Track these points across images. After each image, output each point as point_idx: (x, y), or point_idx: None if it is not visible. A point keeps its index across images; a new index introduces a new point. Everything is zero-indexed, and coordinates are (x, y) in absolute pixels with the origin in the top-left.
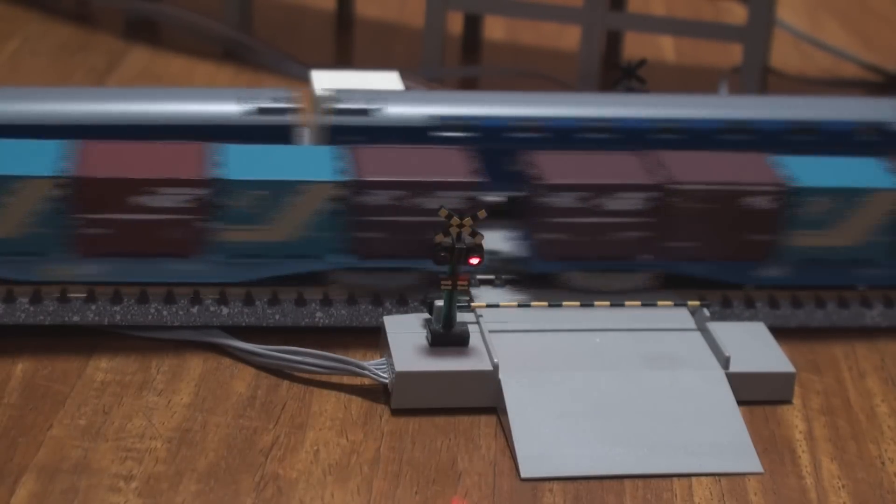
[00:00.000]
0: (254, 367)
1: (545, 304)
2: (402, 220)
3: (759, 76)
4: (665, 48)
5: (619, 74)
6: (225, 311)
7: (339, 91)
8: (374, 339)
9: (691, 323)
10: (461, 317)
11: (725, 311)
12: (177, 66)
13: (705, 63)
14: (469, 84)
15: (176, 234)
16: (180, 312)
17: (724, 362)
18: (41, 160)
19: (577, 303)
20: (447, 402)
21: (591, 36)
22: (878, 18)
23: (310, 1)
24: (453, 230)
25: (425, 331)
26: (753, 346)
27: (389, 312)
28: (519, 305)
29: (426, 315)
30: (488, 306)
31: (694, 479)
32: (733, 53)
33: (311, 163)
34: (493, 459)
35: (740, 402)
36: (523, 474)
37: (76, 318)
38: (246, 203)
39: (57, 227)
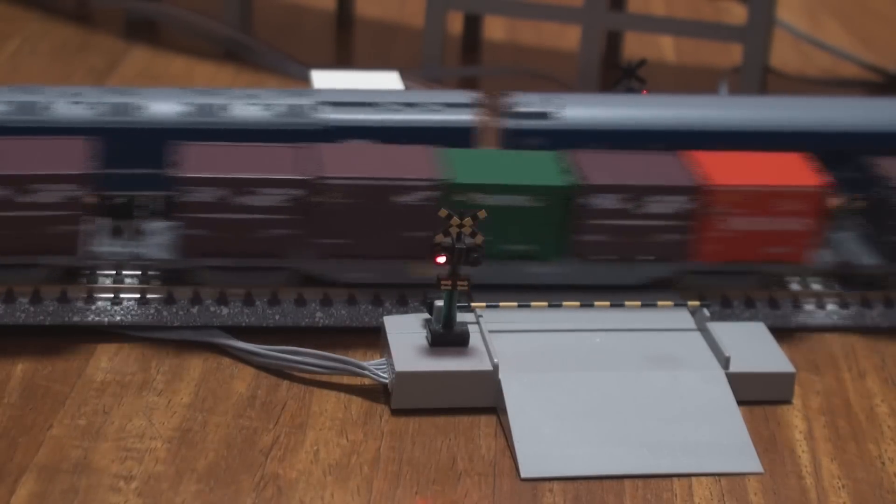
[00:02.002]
0: (254, 367)
1: (545, 304)
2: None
3: (759, 76)
4: (665, 48)
5: (619, 74)
6: (225, 311)
7: None
8: (374, 339)
9: (691, 323)
10: (461, 317)
11: (725, 311)
12: (177, 66)
13: (705, 63)
14: (469, 84)
15: None
16: (180, 312)
17: (724, 362)
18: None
19: (577, 303)
20: (447, 402)
21: (591, 36)
22: (878, 18)
23: (310, 1)
24: (453, 230)
25: (425, 331)
26: (753, 346)
27: (389, 312)
28: (519, 305)
29: (426, 315)
30: (488, 306)
31: (694, 479)
32: (733, 53)
33: None
34: (493, 459)
35: (740, 402)
36: (523, 474)
37: (76, 318)
38: None
39: None
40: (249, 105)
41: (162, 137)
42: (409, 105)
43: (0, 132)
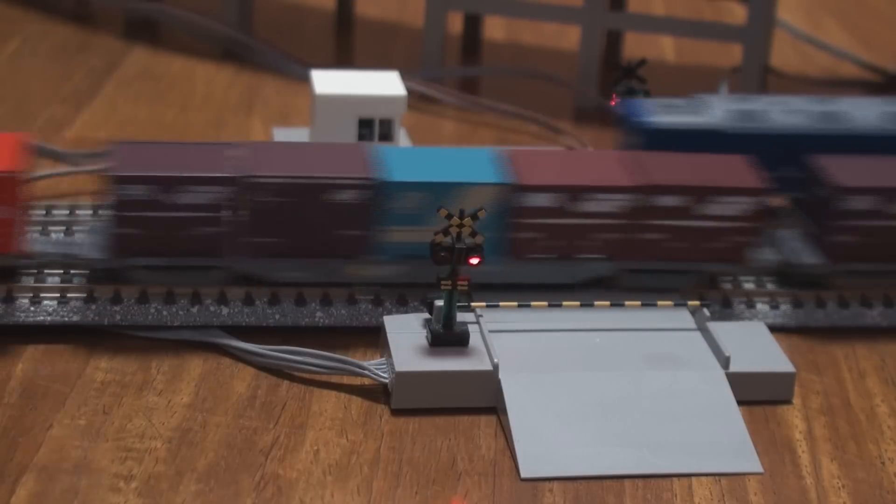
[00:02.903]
0: (254, 367)
1: (545, 304)
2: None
3: (759, 76)
4: (665, 48)
5: (619, 74)
6: (225, 311)
7: None
8: (374, 339)
9: (691, 323)
10: (461, 317)
11: (725, 311)
12: (177, 66)
13: (705, 63)
14: (469, 84)
15: None
16: (180, 312)
17: (724, 362)
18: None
19: (577, 303)
20: (447, 402)
21: (591, 36)
22: (878, 18)
23: (310, 1)
24: (453, 230)
25: (425, 331)
26: (753, 346)
27: (389, 312)
28: (519, 305)
29: (426, 315)
30: (488, 306)
31: (694, 479)
32: (733, 53)
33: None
34: (493, 459)
35: (740, 402)
36: (523, 474)
37: (76, 318)
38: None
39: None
40: None
41: (865, 145)
42: None
43: (727, 138)
